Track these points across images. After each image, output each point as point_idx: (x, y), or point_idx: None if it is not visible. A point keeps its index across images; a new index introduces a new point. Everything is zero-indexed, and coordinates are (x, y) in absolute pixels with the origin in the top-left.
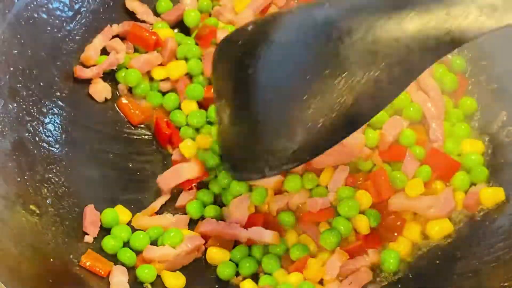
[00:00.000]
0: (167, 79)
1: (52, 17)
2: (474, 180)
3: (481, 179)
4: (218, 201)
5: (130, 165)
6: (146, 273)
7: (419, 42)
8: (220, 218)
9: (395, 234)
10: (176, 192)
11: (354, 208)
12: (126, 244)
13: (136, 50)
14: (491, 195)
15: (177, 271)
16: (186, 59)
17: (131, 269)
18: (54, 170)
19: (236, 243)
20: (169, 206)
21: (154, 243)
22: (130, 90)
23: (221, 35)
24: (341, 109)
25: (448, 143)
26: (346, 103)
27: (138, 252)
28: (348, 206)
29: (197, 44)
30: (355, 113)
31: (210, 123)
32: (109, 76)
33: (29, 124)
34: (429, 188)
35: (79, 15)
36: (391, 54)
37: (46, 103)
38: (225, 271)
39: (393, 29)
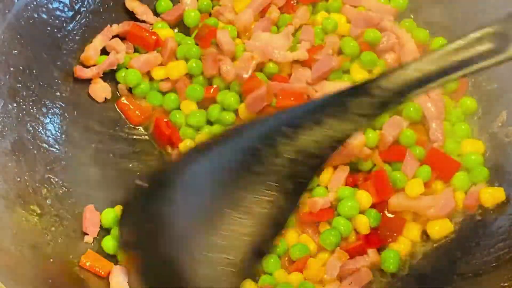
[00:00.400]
0: (167, 79)
1: (52, 17)
2: (474, 180)
3: (481, 179)
4: None
5: (130, 165)
6: None
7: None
8: None
9: (395, 234)
10: None
11: (354, 208)
12: None
13: (136, 50)
14: (491, 195)
15: None
16: (186, 59)
17: None
18: (54, 170)
19: None
20: None
21: None
22: (130, 90)
23: (221, 35)
24: (246, 243)
25: (448, 143)
26: (251, 234)
27: None
28: (348, 206)
29: (197, 44)
30: (261, 242)
31: (210, 123)
32: (109, 76)
33: (29, 124)
34: (429, 188)
35: (79, 15)
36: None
37: (46, 103)
38: None
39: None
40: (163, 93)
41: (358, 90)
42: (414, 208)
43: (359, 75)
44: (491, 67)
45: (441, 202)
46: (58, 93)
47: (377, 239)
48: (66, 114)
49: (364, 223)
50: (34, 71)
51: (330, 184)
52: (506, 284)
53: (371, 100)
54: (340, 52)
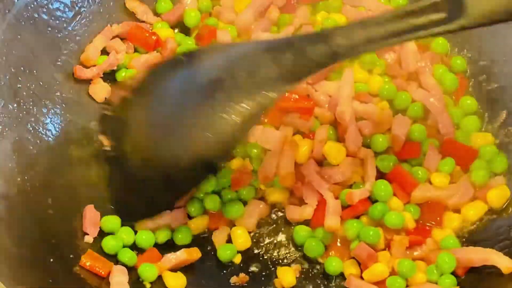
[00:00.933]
0: None
1: (53, 18)
2: (496, 169)
3: (502, 167)
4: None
5: None
6: (148, 272)
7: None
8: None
9: (438, 219)
10: None
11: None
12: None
13: (136, 50)
14: (496, 196)
15: (178, 271)
16: None
17: (131, 269)
18: (54, 170)
19: None
20: None
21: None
22: None
23: (221, 35)
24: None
25: (458, 136)
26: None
27: (139, 252)
28: (395, 216)
29: (197, 44)
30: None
31: None
32: (109, 76)
33: (29, 124)
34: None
35: (79, 16)
36: None
37: (46, 103)
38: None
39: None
40: None
41: (319, 37)
42: (437, 198)
43: (359, 75)
44: (441, 35)
45: (461, 190)
46: (58, 93)
47: (424, 229)
48: (66, 114)
49: (409, 219)
50: (34, 71)
51: (365, 175)
52: (506, 284)
53: (326, 49)
54: None
